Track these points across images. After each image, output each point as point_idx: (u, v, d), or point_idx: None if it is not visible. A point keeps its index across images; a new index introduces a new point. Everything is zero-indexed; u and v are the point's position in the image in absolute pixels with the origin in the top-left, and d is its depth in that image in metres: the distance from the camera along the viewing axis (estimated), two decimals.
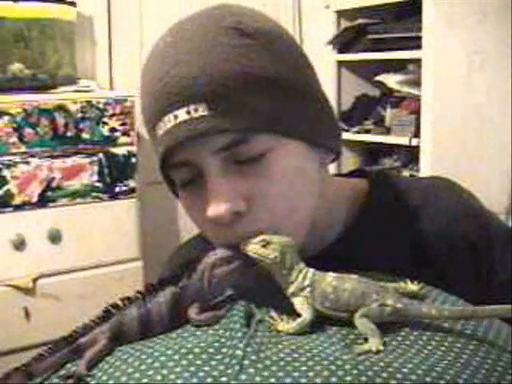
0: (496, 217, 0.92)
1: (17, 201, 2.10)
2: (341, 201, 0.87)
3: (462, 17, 2.38)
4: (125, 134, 2.26)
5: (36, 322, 2.14)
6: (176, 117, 0.69)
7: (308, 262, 0.72)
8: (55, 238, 2.17)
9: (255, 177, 0.72)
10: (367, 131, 2.72)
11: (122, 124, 2.25)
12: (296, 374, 0.56)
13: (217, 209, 0.70)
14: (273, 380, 0.55)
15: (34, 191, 2.13)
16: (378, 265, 0.77)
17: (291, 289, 0.68)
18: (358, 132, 2.74)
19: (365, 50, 2.66)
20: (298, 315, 0.67)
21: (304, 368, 0.57)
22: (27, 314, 2.14)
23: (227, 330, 0.63)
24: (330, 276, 0.68)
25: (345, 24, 2.76)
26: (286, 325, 0.66)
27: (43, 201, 2.14)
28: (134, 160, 2.29)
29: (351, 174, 0.96)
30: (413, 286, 0.72)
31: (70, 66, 2.32)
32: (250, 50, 0.71)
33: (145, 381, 0.58)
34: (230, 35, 0.71)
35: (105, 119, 2.21)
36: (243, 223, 0.72)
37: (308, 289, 0.68)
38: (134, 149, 2.29)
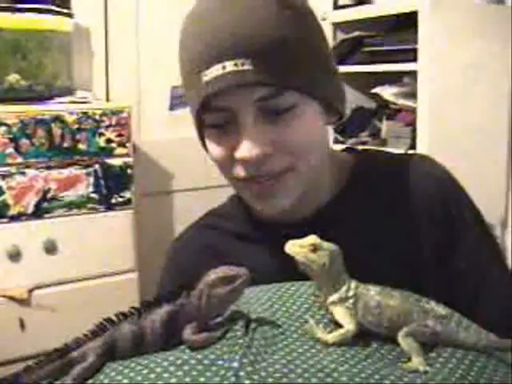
0: (466, 194, 1.02)
1: (12, 211, 2.10)
2: (331, 168, 0.98)
3: (459, 29, 2.39)
4: (121, 145, 2.26)
5: (31, 333, 2.13)
6: (224, 67, 0.81)
7: (299, 223, 0.89)
8: (51, 248, 2.16)
9: (282, 126, 0.85)
10: (363, 143, 2.71)
11: (119, 135, 2.25)
12: None
13: (249, 151, 0.83)
14: None
15: (30, 202, 2.12)
16: (362, 228, 0.92)
17: (333, 298, 0.67)
18: (355, 144, 2.74)
19: (361, 63, 2.66)
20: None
21: (300, 380, 0.57)
22: (22, 325, 2.13)
23: (224, 340, 0.63)
24: (374, 290, 0.67)
25: (341, 36, 2.76)
26: (326, 335, 0.64)
27: (39, 211, 2.14)
28: (130, 171, 2.29)
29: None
30: (441, 310, 0.69)
31: (66, 77, 2.33)
32: (290, 19, 0.84)
33: None
34: (275, 5, 0.83)
35: (101, 130, 2.21)
36: (267, 163, 0.85)
37: (351, 300, 0.66)
38: (130, 160, 2.29)
